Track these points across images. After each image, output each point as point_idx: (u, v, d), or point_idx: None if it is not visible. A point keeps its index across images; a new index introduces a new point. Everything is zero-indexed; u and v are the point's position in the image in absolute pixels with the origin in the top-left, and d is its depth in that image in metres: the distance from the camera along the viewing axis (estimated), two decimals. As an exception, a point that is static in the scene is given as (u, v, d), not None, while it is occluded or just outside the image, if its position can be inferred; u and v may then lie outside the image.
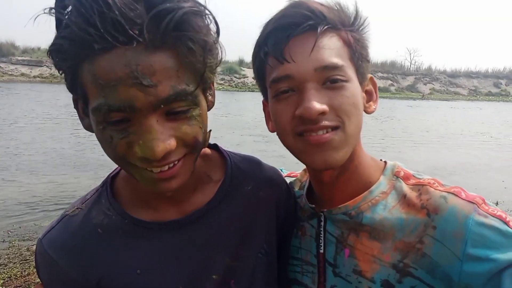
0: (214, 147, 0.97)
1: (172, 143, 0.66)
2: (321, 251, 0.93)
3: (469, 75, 46.45)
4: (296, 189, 1.09)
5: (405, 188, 0.89)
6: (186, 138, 0.69)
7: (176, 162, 0.70)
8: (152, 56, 0.61)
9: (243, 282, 0.87)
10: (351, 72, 0.83)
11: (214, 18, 0.68)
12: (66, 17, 0.60)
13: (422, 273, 0.80)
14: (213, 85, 0.80)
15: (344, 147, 0.83)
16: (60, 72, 0.68)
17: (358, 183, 0.92)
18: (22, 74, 30.99)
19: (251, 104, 20.43)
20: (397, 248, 0.83)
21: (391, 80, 42.59)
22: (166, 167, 0.69)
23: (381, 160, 0.99)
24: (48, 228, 0.84)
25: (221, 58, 0.73)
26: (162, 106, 0.64)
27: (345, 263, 0.89)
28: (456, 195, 0.83)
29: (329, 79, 0.80)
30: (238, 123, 14.20)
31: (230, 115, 16.34)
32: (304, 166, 1.04)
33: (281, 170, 1.14)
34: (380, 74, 42.49)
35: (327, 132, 0.81)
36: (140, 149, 0.65)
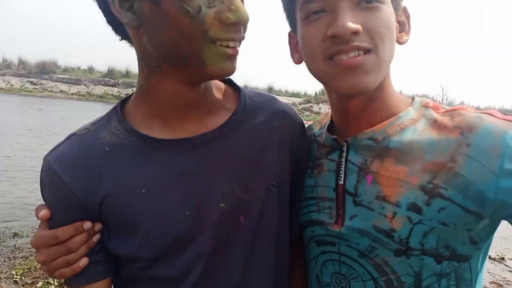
0: (229, 81, 0.96)
1: (246, 12, 0.73)
2: (341, 182, 0.89)
3: (505, 112, 45.07)
4: (316, 130, 1.06)
5: (436, 115, 0.85)
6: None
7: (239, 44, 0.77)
8: None
9: (253, 217, 0.84)
10: None
11: None
12: None
13: (452, 193, 0.76)
14: None
15: (375, 72, 0.80)
16: None
17: (386, 114, 0.88)
18: (61, 91, 32.36)
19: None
20: (426, 169, 0.79)
21: (422, 114, 41.68)
22: (238, 46, 0.76)
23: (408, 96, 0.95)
24: (55, 146, 0.83)
25: None
26: None
27: (367, 190, 0.85)
28: (492, 115, 0.80)
29: None
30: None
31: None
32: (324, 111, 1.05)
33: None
34: (411, 107, 41.75)
35: (359, 54, 0.78)
36: (235, 13, 0.70)
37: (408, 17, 0.90)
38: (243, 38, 0.75)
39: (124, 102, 0.89)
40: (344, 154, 0.90)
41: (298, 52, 0.93)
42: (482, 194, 0.74)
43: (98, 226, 0.80)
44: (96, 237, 0.80)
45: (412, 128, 0.84)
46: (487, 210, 0.75)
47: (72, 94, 32.05)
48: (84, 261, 0.79)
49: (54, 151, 0.81)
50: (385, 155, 0.84)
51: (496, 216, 0.77)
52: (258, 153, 0.87)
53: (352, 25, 0.75)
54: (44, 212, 0.79)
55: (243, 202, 0.83)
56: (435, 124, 0.83)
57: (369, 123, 0.88)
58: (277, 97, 0.99)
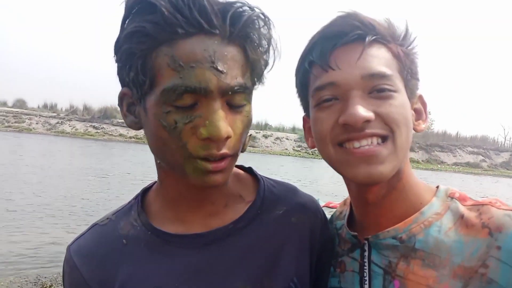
0: (249, 170, 0.96)
1: (230, 130, 0.70)
2: (366, 285, 0.83)
3: None
4: (337, 221, 0.99)
5: (462, 208, 0.80)
6: (237, 133, 0.73)
7: (226, 158, 0.73)
8: (227, 47, 0.69)
9: None
10: (399, 84, 0.80)
11: (273, 26, 0.76)
12: (162, 4, 0.66)
13: None
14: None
15: (392, 160, 0.77)
16: (124, 56, 0.71)
17: (407, 204, 0.84)
18: (120, 135, 34.37)
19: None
20: (457, 274, 0.73)
21: (482, 156, 39.64)
22: (220, 157, 0.72)
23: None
24: (78, 236, 0.87)
25: (273, 65, 0.79)
26: (229, 93, 0.70)
27: None
28: None
29: (376, 88, 0.77)
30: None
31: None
32: (344, 196, 1.00)
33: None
34: (469, 149, 39.88)
35: (372, 143, 0.76)
36: (207, 129, 0.68)
37: (424, 104, 0.88)
38: (226, 154, 0.72)
39: (146, 190, 0.91)
40: (366, 253, 0.85)
41: (311, 137, 0.91)
42: None
43: None
44: None
45: (437, 225, 0.79)
46: None
47: (130, 137, 33.90)
48: None
49: (76, 241, 0.85)
50: (411, 257, 0.79)
51: None
52: (275, 250, 0.83)
53: (364, 113, 0.74)
54: None
55: None
56: (461, 220, 0.78)
57: (390, 215, 0.84)
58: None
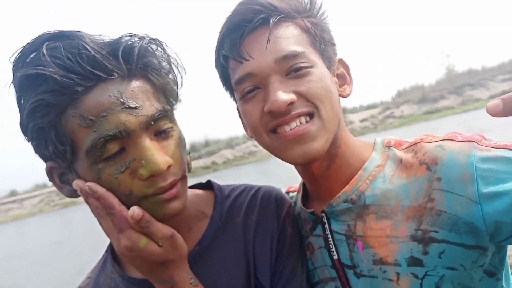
0: (207, 184, 0.97)
1: (168, 158, 0.70)
2: (335, 256, 0.85)
3: None
4: (296, 207, 0.99)
5: (399, 153, 0.83)
6: (174, 157, 0.73)
7: (176, 183, 0.73)
8: (130, 84, 0.70)
9: None
10: (314, 57, 0.81)
11: (167, 46, 0.78)
12: (51, 71, 0.64)
13: (445, 234, 0.72)
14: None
15: (323, 135, 0.79)
16: (36, 135, 0.70)
17: (351, 166, 0.86)
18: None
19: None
20: (409, 217, 0.76)
21: (516, 80, 37.87)
22: (170, 186, 0.72)
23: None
24: None
25: (181, 82, 0.81)
26: (152, 123, 0.70)
27: (363, 257, 0.80)
28: (452, 140, 0.77)
29: (292, 68, 0.78)
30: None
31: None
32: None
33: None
34: (500, 77, 38.19)
35: (300, 123, 0.78)
36: (145, 168, 0.68)
37: (346, 67, 0.90)
38: (174, 182, 0.72)
39: None
40: (326, 226, 0.86)
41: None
42: (472, 225, 0.70)
43: None
44: None
45: (381, 177, 0.82)
46: (485, 240, 0.71)
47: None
48: None
49: None
50: (365, 214, 0.81)
51: (496, 242, 0.72)
52: (243, 256, 0.85)
53: (285, 97, 0.75)
54: None
55: None
56: (401, 165, 0.81)
57: (339, 180, 0.86)
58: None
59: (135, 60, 0.71)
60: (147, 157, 0.67)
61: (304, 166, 0.87)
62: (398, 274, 0.75)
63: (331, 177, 0.87)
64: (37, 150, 0.73)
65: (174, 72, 0.79)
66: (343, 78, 0.89)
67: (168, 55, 0.78)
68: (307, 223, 0.91)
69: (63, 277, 9.71)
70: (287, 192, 1.08)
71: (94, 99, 0.66)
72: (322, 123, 0.79)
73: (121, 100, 0.67)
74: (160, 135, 0.73)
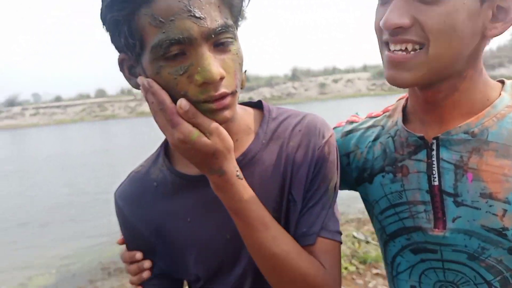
0: (258, 104, 1.01)
1: (222, 70, 0.75)
2: (435, 183, 0.83)
3: None
4: (389, 130, 0.97)
5: None
6: (228, 71, 0.77)
7: (227, 96, 0.77)
8: None
9: None
10: None
11: None
12: None
13: None
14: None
15: (421, 70, 0.76)
16: (112, 26, 0.78)
17: (473, 102, 0.83)
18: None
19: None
20: None
21: None
22: (220, 97, 0.76)
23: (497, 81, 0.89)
24: (120, 183, 1.03)
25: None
26: (213, 36, 0.74)
27: (469, 188, 0.79)
28: None
29: None
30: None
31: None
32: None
33: (356, 114, 1.12)
34: None
35: (406, 48, 0.76)
36: (200, 74, 0.73)
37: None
38: (225, 93, 0.76)
39: None
40: (434, 152, 0.84)
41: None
42: None
43: (147, 264, 0.96)
44: (146, 273, 0.96)
45: (510, 117, 0.79)
46: None
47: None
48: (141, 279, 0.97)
49: (119, 188, 1.02)
50: (484, 149, 0.79)
51: None
52: (281, 174, 0.91)
53: (395, 19, 0.74)
54: (119, 240, 1.03)
55: (276, 219, 0.87)
56: None
57: (454, 111, 0.83)
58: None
59: None
60: (203, 65, 0.73)
61: (422, 91, 0.85)
62: (505, 211, 0.76)
63: (447, 107, 0.84)
64: (112, 40, 0.81)
65: None
66: (505, 13, 0.76)
67: None
68: (407, 147, 0.90)
69: (101, 182, 10.47)
70: (368, 117, 1.08)
71: (166, 2, 0.72)
72: (427, 60, 0.76)
73: (188, 8, 0.72)
74: (219, 48, 0.76)
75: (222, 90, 0.76)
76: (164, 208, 0.94)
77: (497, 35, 0.78)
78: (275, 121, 0.96)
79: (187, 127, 0.74)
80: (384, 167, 0.94)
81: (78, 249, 5.89)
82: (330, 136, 0.95)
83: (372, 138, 1.00)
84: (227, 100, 0.77)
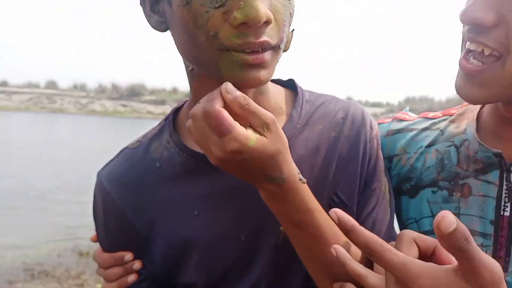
0: (290, 83, 0.85)
1: (269, 12, 0.58)
2: (506, 213, 0.70)
3: None
4: (454, 136, 0.83)
5: None
6: (278, 18, 0.61)
7: (269, 49, 0.62)
8: None
9: None
10: None
11: None
12: None
13: None
14: None
15: (496, 85, 0.64)
16: None
17: None
18: (149, 112, 34.92)
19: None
20: None
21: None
22: (260, 50, 0.60)
23: None
24: (108, 161, 0.81)
25: None
26: None
27: None
28: None
29: None
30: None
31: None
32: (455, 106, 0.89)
33: (406, 110, 0.96)
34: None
35: (481, 59, 0.64)
36: (241, 11, 0.56)
37: None
38: (267, 43, 0.60)
39: (177, 110, 0.82)
40: (511, 176, 0.71)
41: None
42: None
43: (137, 264, 0.76)
44: (131, 277, 0.76)
45: None
46: None
47: (158, 114, 34.43)
48: None
49: (106, 167, 0.80)
50: None
51: None
52: (318, 164, 0.75)
53: (480, 12, 0.60)
54: (93, 236, 0.82)
55: None
56: None
57: None
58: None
59: None
60: (248, 0, 0.56)
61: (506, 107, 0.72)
62: None
63: None
64: None
65: None
66: None
67: None
68: (474, 162, 0.76)
69: (37, 177, 9.88)
70: (423, 117, 0.91)
71: None
72: (502, 75, 0.63)
73: None
74: None
75: (265, 38, 0.59)
76: (166, 195, 0.74)
77: None
78: (311, 104, 0.80)
79: (242, 132, 0.56)
80: (437, 181, 0.79)
81: (1, 245, 5.48)
82: (378, 128, 0.83)
83: (426, 143, 0.84)
84: (268, 55, 0.61)
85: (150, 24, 0.69)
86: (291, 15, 0.65)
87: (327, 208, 0.69)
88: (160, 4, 0.65)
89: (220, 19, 0.58)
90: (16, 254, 5.06)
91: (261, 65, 0.61)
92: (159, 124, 0.81)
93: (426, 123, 0.87)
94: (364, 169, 0.77)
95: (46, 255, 5.10)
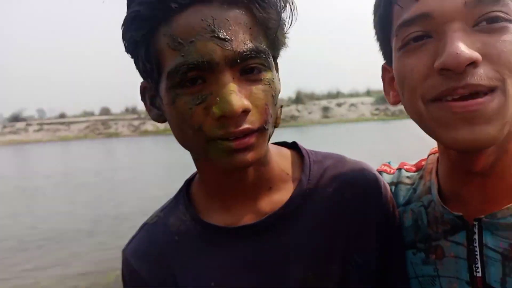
0: (293, 145, 0.88)
1: (247, 102, 0.63)
2: (478, 274, 0.69)
3: None
4: (422, 196, 0.83)
5: None
6: (258, 104, 0.66)
7: (252, 133, 0.66)
8: (227, 11, 0.64)
9: None
10: None
11: None
12: None
13: None
14: (277, 69, 0.76)
15: (501, 118, 0.59)
16: (130, 48, 0.70)
17: None
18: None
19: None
20: None
21: None
22: (243, 136, 0.65)
23: None
24: (131, 238, 0.86)
25: (292, 20, 0.71)
26: (238, 61, 0.63)
27: None
28: None
29: (485, 17, 0.59)
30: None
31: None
32: (421, 157, 0.87)
33: (388, 163, 0.96)
34: None
35: (477, 94, 0.58)
36: (218, 106, 0.62)
37: None
38: (249, 130, 0.65)
39: (189, 182, 0.87)
40: (476, 236, 0.69)
41: (394, 90, 0.75)
42: None
43: None
44: None
45: None
46: None
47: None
48: None
49: (129, 245, 0.85)
50: None
51: None
52: (331, 231, 0.76)
53: (468, 52, 0.56)
54: None
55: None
56: None
57: (502, 184, 0.68)
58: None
59: None
60: (222, 95, 0.62)
61: (463, 156, 0.69)
62: None
63: (493, 177, 0.69)
64: (135, 64, 0.73)
65: (282, 7, 0.69)
66: None
67: None
68: (442, 224, 0.76)
69: (100, 202, 10.34)
70: (399, 169, 0.92)
71: (186, 20, 0.63)
72: (505, 102, 0.59)
73: (212, 27, 0.62)
74: (247, 76, 0.66)
75: (245, 126, 0.64)
76: (186, 268, 0.77)
77: None
78: (319, 165, 0.82)
79: None
80: (415, 242, 0.80)
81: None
82: (388, 189, 0.84)
83: (403, 201, 0.85)
84: (252, 138, 0.66)
85: (151, 117, 0.76)
86: (273, 97, 0.69)
87: (344, 271, 0.74)
88: (157, 99, 0.73)
89: (202, 114, 0.64)
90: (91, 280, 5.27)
91: (246, 149, 0.66)
92: (175, 196, 0.86)
93: (403, 176, 0.89)
94: (381, 232, 0.78)
95: (114, 281, 5.24)
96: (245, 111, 0.63)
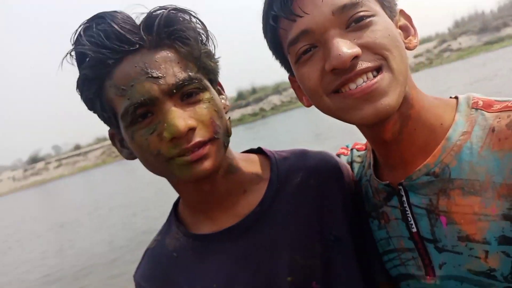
0: (258, 150, 0.99)
1: (191, 121, 0.74)
2: (414, 229, 0.80)
3: None
4: (363, 170, 0.96)
5: (491, 119, 0.72)
6: (204, 120, 0.76)
7: (204, 145, 0.76)
8: (155, 54, 0.75)
9: (324, 279, 0.84)
10: (375, 6, 0.73)
11: (194, 13, 0.80)
12: (86, 48, 0.74)
13: None
14: (223, 90, 0.89)
15: (395, 88, 0.70)
16: (89, 105, 0.81)
17: (429, 130, 0.77)
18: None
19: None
20: (501, 194, 0.67)
21: None
22: (196, 149, 0.75)
23: (450, 97, 0.82)
24: (138, 265, 0.98)
25: (215, 46, 0.84)
26: (174, 91, 0.74)
27: (446, 233, 0.74)
28: None
29: (353, 18, 0.70)
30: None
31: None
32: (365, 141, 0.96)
33: (346, 146, 1.07)
34: None
35: (368, 78, 0.70)
36: (167, 130, 0.73)
37: (408, 18, 0.81)
38: (200, 142, 0.75)
39: (176, 204, 0.99)
40: (403, 198, 0.80)
41: (305, 95, 0.85)
42: None
43: None
44: None
45: (468, 147, 0.72)
46: None
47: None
48: None
49: (138, 270, 0.97)
50: (450, 189, 0.73)
51: None
52: (306, 217, 0.87)
53: (349, 50, 0.68)
54: None
55: (311, 268, 0.84)
56: (492, 134, 0.70)
57: (414, 146, 0.78)
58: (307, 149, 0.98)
59: (156, 30, 0.74)
60: (168, 121, 0.72)
61: (373, 130, 0.78)
62: (486, 252, 0.70)
63: (404, 142, 0.78)
64: (98, 117, 0.83)
65: (202, 38, 0.81)
66: (406, 30, 0.80)
67: (194, 22, 0.80)
68: (380, 193, 0.85)
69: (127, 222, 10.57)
70: (352, 149, 1.03)
71: (124, 70, 0.73)
72: (393, 75, 0.70)
73: (146, 70, 0.72)
74: (188, 100, 0.76)
75: (196, 139, 0.75)
76: (190, 277, 0.88)
77: (415, 47, 0.80)
78: (284, 162, 0.93)
79: None
80: (370, 212, 0.91)
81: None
82: (347, 170, 0.95)
83: (357, 177, 0.97)
84: (205, 149, 0.76)
85: (123, 157, 0.87)
86: (217, 111, 0.79)
87: (325, 247, 0.85)
88: (124, 141, 0.83)
89: (157, 141, 0.75)
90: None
91: (202, 158, 0.76)
92: (167, 220, 0.98)
93: (355, 155, 1.01)
94: (349, 206, 0.90)
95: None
96: (192, 129, 0.74)
